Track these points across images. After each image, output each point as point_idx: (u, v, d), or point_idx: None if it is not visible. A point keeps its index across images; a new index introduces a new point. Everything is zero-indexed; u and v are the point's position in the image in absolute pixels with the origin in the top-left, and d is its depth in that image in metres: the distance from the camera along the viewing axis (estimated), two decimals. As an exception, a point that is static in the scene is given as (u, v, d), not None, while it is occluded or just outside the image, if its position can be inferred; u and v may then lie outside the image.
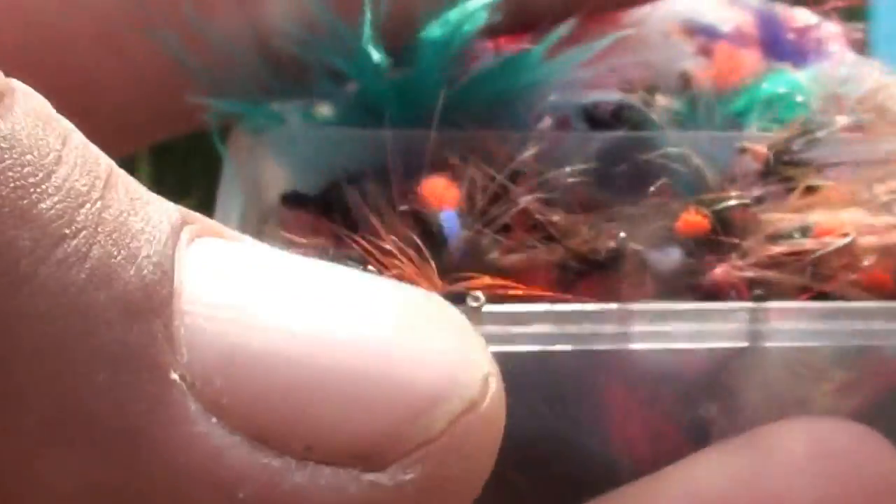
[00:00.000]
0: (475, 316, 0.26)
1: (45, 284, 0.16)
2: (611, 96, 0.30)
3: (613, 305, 0.26)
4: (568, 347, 0.26)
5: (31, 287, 0.16)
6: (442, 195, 0.27)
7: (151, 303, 0.16)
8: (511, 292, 0.26)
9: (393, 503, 0.17)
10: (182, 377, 0.16)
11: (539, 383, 0.27)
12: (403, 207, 0.27)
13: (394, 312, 0.17)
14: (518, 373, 0.26)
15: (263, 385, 0.17)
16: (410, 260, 0.26)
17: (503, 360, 0.26)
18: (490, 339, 0.26)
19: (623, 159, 0.29)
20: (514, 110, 0.30)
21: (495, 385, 0.17)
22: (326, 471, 0.16)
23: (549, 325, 0.26)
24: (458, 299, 0.25)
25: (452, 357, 0.17)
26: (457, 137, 0.29)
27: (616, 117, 0.30)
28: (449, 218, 0.27)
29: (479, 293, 0.26)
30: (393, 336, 0.17)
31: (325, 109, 0.30)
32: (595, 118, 0.30)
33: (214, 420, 0.16)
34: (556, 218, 0.28)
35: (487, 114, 0.30)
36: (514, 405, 0.25)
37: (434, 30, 0.29)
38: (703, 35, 0.32)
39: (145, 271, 0.16)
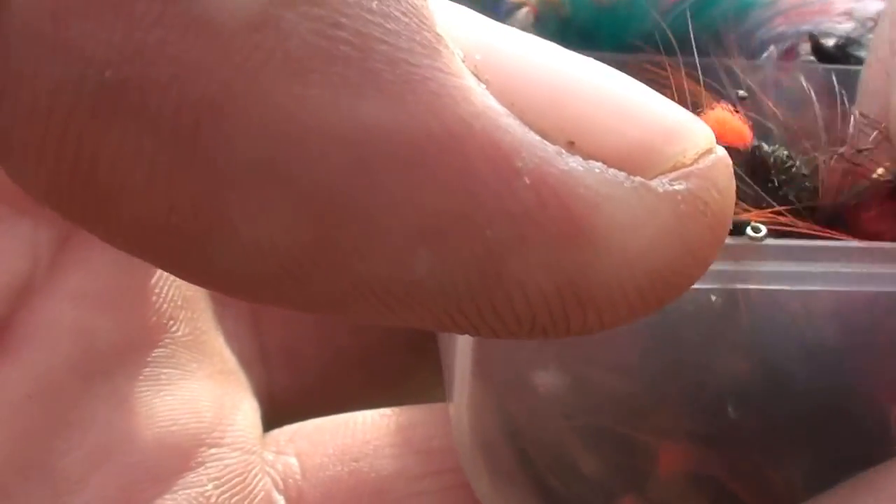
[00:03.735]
0: (755, 250, 0.22)
1: None
2: (841, 26, 0.26)
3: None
4: (867, 288, 0.22)
5: None
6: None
7: None
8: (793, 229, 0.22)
9: (663, 208, 0.17)
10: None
11: (824, 328, 0.23)
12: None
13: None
14: (800, 315, 0.23)
15: (520, 72, 0.17)
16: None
17: (783, 300, 0.22)
18: (771, 277, 0.22)
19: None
20: (735, 37, 0.26)
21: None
22: (597, 163, 0.16)
23: (840, 263, 0.22)
24: (736, 230, 0.22)
25: (690, 115, 0.18)
26: (672, 64, 0.25)
27: (842, 50, 0.26)
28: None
29: (760, 225, 0.22)
30: (644, 87, 0.18)
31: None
32: (822, 51, 0.26)
33: (483, 86, 0.16)
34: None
35: (704, 41, 0.26)
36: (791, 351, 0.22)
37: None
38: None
39: None
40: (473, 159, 0.16)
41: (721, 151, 0.18)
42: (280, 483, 0.26)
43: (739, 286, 0.22)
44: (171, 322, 0.26)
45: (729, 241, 0.22)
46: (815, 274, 0.22)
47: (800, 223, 0.23)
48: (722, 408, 0.24)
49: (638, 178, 0.17)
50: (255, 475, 0.26)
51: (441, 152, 0.16)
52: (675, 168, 0.17)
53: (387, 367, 0.29)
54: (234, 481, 0.25)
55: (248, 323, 0.29)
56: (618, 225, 0.16)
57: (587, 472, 0.24)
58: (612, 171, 0.16)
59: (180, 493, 0.25)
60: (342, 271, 0.16)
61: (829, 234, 0.23)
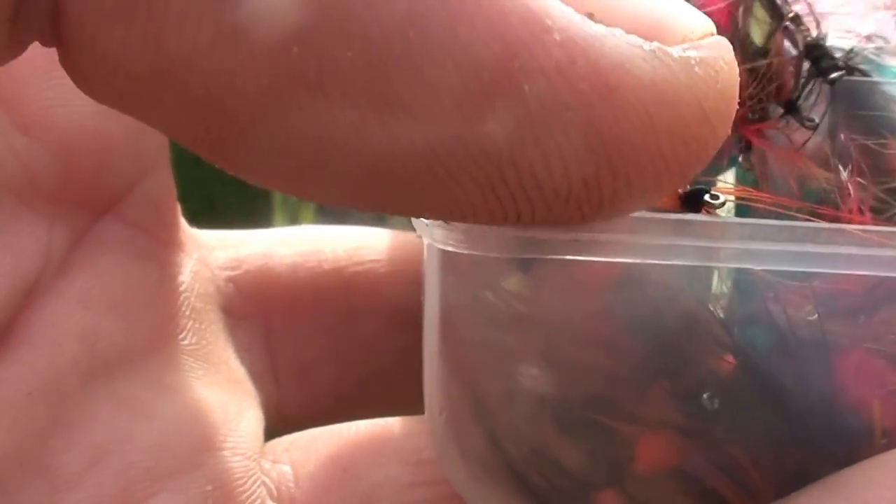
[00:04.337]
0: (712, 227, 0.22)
1: None
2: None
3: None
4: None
5: None
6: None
7: None
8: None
9: (679, 70, 0.18)
10: None
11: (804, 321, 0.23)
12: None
13: None
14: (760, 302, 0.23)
15: None
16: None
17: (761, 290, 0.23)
18: (727, 254, 0.23)
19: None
20: None
21: None
22: (619, 30, 0.18)
23: (806, 244, 0.22)
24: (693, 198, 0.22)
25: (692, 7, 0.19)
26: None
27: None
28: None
29: (718, 193, 0.23)
30: None
31: None
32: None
33: None
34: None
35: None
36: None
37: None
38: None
39: None
40: (508, 13, 0.17)
41: (722, 39, 0.19)
42: (274, 491, 0.26)
43: (711, 264, 0.23)
44: (178, 330, 0.27)
45: (698, 217, 0.23)
46: (789, 253, 0.23)
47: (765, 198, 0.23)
48: (702, 400, 0.24)
49: (655, 43, 0.18)
50: (254, 482, 0.26)
51: (479, 6, 0.17)
52: (685, 41, 0.19)
53: (400, 385, 0.29)
54: (232, 485, 0.26)
55: (259, 337, 0.29)
56: (641, 83, 0.18)
57: (566, 465, 0.24)
58: (632, 36, 0.18)
59: (178, 493, 0.25)
60: (392, 134, 0.18)
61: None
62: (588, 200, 0.19)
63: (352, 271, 0.30)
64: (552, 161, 0.18)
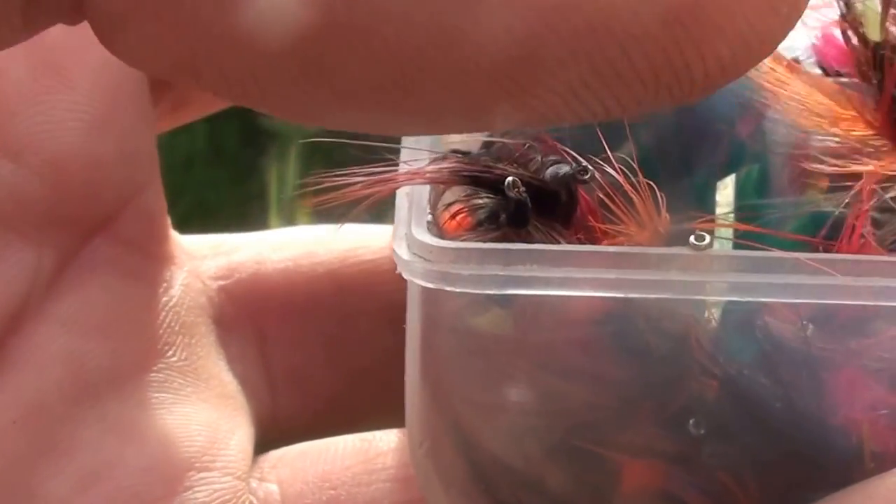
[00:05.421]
0: (697, 260, 0.22)
1: None
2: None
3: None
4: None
5: None
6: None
7: None
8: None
9: None
10: None
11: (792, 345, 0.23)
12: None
13: None
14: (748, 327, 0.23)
15: None
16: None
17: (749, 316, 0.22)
18: (717, 288, 0.22)
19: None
20: None
21: None
22: None
23: (797, 274, 0.22)
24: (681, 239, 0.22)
25: None
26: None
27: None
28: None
29: (704, 233, 0.22)
30: None
31: None
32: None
33: None
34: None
35: None
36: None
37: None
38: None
39: None
40: None
41: None
42: None
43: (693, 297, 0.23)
44: (167, 347, 0.27)
45: (680, 251, 0.23)
46: (772, 285, 0.22)
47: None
48: (687, 426, 0.24)
49: None
50: (243, 502, 0.26)
51: None
52: None
53: (396, 386, 0.29)
54: None
55: (253, 346, 0.29)
56: None
57: (551, 493, 0.24)
58: None
59: None
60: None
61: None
62: (679, 83, 0.17)
63: (347, 273, 0.30)
64: (632, 51, 0.16)
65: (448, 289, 0.22)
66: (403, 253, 0.22)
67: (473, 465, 0.24)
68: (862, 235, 0.23)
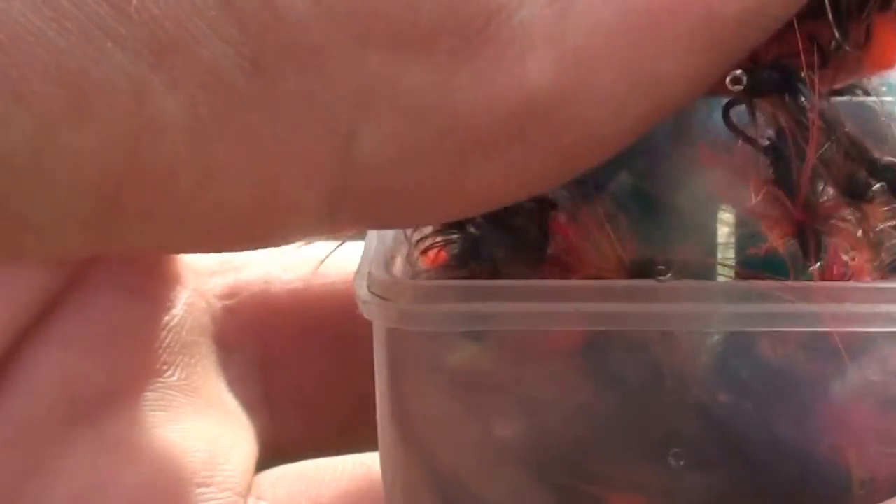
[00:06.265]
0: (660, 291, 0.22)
1: None
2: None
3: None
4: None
5: None
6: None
7: None
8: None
9: None
10: None
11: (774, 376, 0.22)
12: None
13: None
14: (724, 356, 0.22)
15: None
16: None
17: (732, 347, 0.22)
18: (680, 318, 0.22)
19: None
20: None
21: None
22: None
23: (774, 303, 0.22)
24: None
25: None
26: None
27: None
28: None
29: (666, 266, 0.22)
30: None
31: None
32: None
33: None
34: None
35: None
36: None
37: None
38: None
39: None
40: None
41: None
42: None
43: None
44: (165, 367, 0.27)
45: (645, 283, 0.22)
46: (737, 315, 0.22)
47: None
48: (667, 458, 0.23)
49: None
50: None
51: None
52: None
53: None
54: None
55: (255, 367, 0.29)
56: None
57: None
58: None
59: None
60: None
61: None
62: None
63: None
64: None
65: (406, 328, 0.22)
66: (363, 293, 0.22)
67: (449, 503, 0.24)
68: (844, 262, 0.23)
